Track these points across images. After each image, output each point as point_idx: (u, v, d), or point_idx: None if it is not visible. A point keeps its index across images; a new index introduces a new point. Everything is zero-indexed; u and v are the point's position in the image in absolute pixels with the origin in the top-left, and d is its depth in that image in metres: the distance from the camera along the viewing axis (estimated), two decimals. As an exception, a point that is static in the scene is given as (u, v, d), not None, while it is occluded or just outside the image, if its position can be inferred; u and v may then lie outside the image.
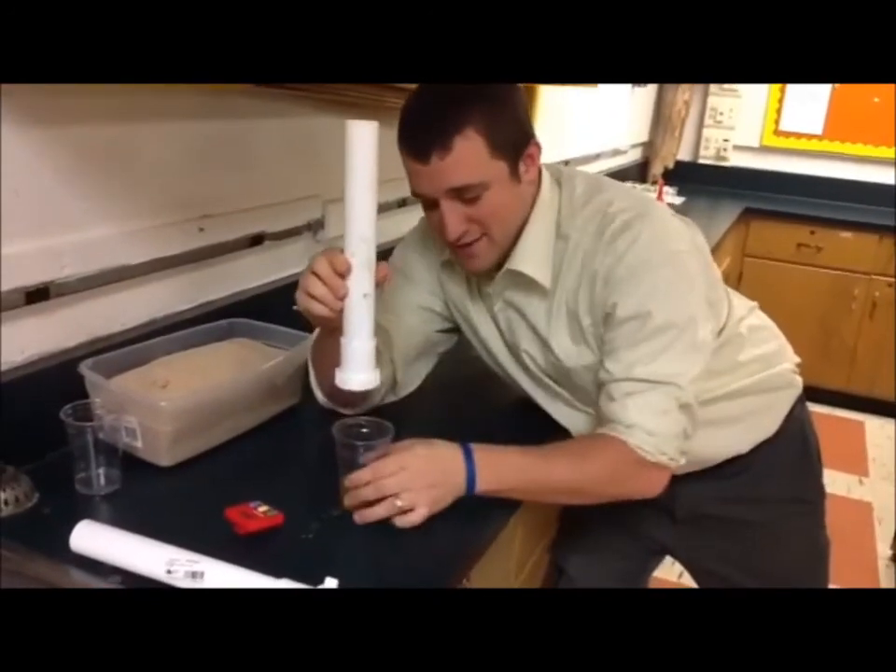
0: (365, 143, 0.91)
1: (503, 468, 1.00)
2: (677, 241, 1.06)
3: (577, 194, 1.11)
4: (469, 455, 0.98)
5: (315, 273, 0.95)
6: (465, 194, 1.00)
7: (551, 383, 1.19)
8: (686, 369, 1.02)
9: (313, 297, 0.96)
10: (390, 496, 0.94)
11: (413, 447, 0.98)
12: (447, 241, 1.05)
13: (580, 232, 1.08)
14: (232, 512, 0.93)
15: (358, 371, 0.98)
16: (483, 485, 0.98)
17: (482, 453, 0.99)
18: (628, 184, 3.49)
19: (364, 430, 1.03)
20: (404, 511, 0.95)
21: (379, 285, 0.98)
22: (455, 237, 1.03)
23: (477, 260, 1.08)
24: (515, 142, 1.03)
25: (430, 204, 1.04)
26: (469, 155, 0.97)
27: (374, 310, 0.97)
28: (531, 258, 1.09)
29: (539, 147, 1.07)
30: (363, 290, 0.95)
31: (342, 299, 0.95)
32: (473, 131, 0.97)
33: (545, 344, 1.14)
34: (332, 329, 1.00)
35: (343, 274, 0.95)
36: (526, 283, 1.11)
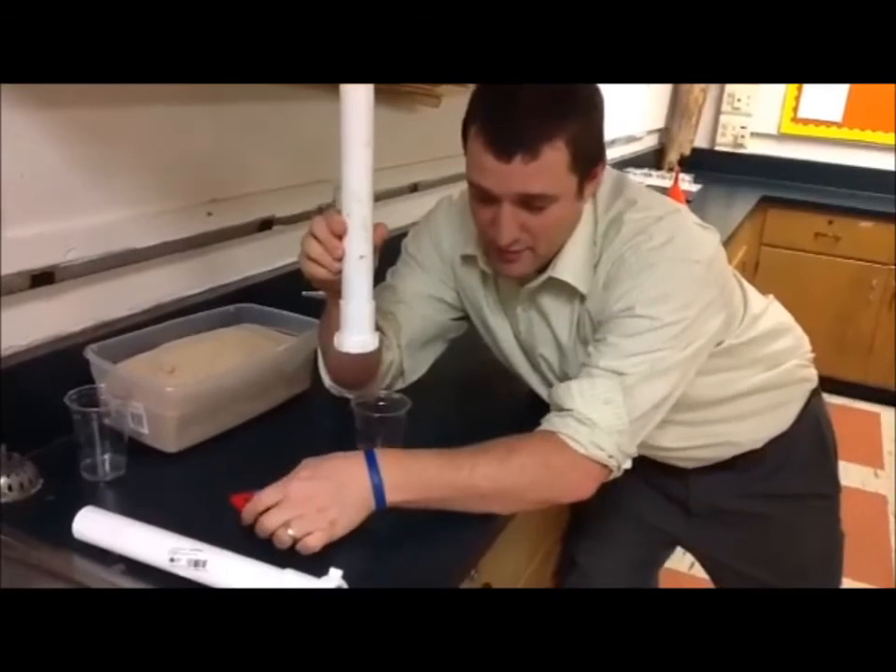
0: (360, 103, 0.89)
1: (415, 473, 0.92)
2: (688, 249, 1.01)
3: (601, 197, 1.07)
4: (373, 464, 0.90)
5: (313, 235, 0.94)
6: (533, 203, 0.96)
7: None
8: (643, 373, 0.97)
9: (311, 258, 0.95)
10: (278, 528, 0.86)
11: (297, 472, 0.90)
12: (496, 243, 1.00)
13: (602, 238, 1.05)
14: (238, 499, 0.92)
15: (355, 333, 0.96)
16: (393, 496, 0.90)
17: (389, 459, 0.92)
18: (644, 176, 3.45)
19: (381, 403, 1.04)
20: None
21: (377, 246, 0.95)
22: (507, 242, 0.98)
23: (517, 266, 1.04)
24: (591, 160, 0.98)
25: (488, 200, 0.98)
26: (552, 166, 0.93)
27: (373, 271, 0.96)
28: (573, 266, 1.05)
29: (604, 166, 1.04)
30: (360, 251, 0.94)
31: (339, 260, 0.94)
32: (563, 142, 0.92)
33: (563, 352, 1.12)
34: (336, 294, 0.98)
35: (339, 235, 0.93)
36: (562, 290, 1.08)
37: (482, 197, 0.99)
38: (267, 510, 0.87)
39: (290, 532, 0.85)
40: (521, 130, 0.91)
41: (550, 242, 1.03)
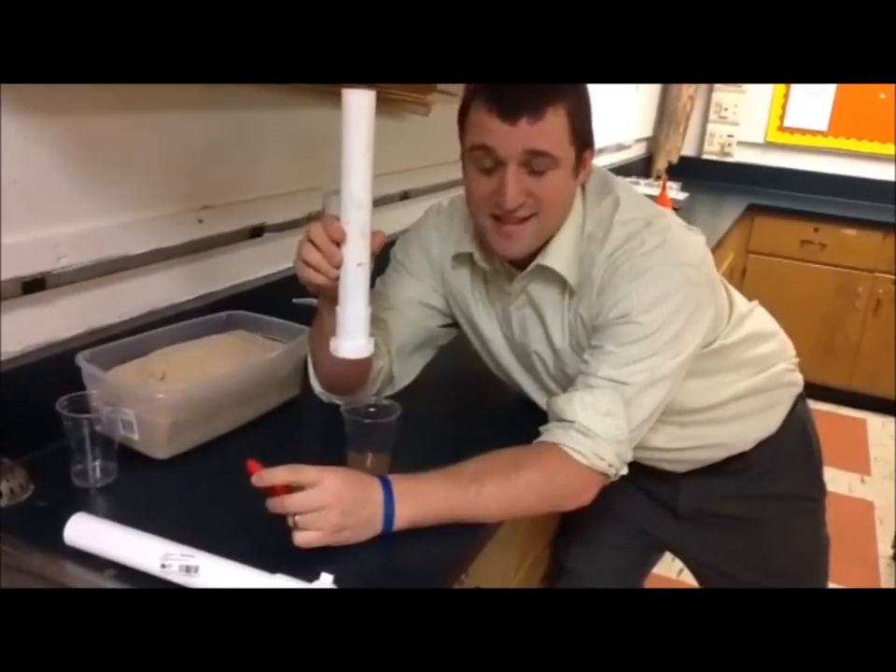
0: (362, 110, 0.90)
1: (425, 496, 0.93)
2: (679, 253, 1.03)
3: (591, 191, 1.09)
4: (388, 492, 0.91)
5: (311, 241, 0.94)
6: (537, 164, 0.98)
7: (554, 386, 1.18)
8: (643, 381, 1.00)
9: (308, 264, 0.95)
10: (297, 514, 0.86)
11: (330, 468, 0.90)
12: (500, 211, 1.01)
13: (590, 238, 1.07)
14: (254, 465, 0.88)
15: (351, 338, 0.96)
16: (400, 524, 0.91)
17: (401, 487, 0.92)
18: (631, 179, 3.47)
19: (371, 410, 1.04)
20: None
21: (374, 253, 0.96)
22: (514, 206, 0.99)
23: (517, 243, 1.04)
24: (584, 138, 1.02)
25: (490, 169, 1.00)
26: (556, 128, 0.97)
27: (369, 278, 0.96)
28: (563, 255, 1.07)
29: (593, 155, 1.07)
30: (358, 259, 0.94)
31: (337, 266, 0.94)
32: (563, 109, 0.97)
33: (558, 353, 1.13)
34: (331, 299, 0.99)
35: (338, 242, 0.93)
36: (551, 282, 1.09)
37: (484, 165, 1.00)
38: (292, 489, 0.87)
39: (298, 520, 0.86)
40: (526, 94, 0.95)
41: (552, 212, 1.03)
